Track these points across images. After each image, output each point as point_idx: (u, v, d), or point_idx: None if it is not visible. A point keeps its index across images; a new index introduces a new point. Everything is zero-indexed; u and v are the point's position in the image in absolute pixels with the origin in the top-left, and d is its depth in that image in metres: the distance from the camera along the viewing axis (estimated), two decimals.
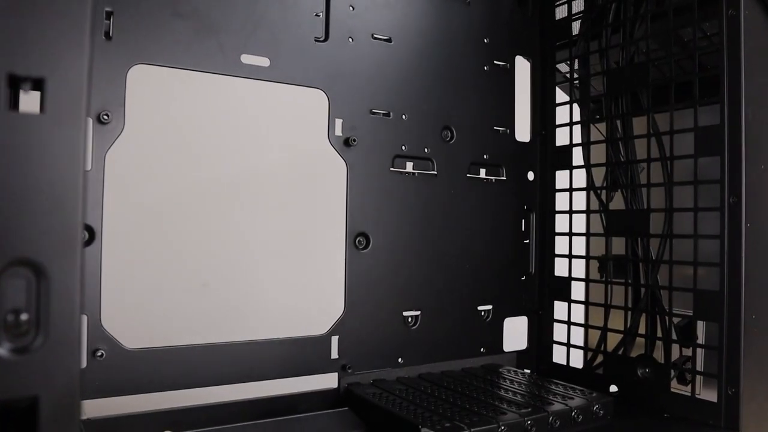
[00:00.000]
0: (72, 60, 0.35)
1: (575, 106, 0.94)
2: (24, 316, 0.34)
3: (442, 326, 0.88)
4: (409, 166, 0.86)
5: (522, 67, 0.98)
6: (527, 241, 0.98)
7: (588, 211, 0.91)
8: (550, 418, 0.68)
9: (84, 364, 0.64)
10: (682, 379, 0.81)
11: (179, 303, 0.71)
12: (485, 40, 0.93)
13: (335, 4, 0.80)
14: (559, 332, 0.95)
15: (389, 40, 0.84)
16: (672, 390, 0.78)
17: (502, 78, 0.95)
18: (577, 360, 0.92)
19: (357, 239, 0.82)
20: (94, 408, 0.64)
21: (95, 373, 0.64)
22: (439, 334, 0.88)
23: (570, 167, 0.94)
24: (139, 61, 0.67)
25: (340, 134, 0.80)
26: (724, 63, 0.73)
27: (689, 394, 0.76)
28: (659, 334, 0.82)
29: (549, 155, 0.98)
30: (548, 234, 0.97)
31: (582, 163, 0.92)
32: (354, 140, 0.80)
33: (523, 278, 0.97)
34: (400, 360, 0.84)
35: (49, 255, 0.34)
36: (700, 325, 0.79)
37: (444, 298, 0.89)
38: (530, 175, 0.98)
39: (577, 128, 0.93)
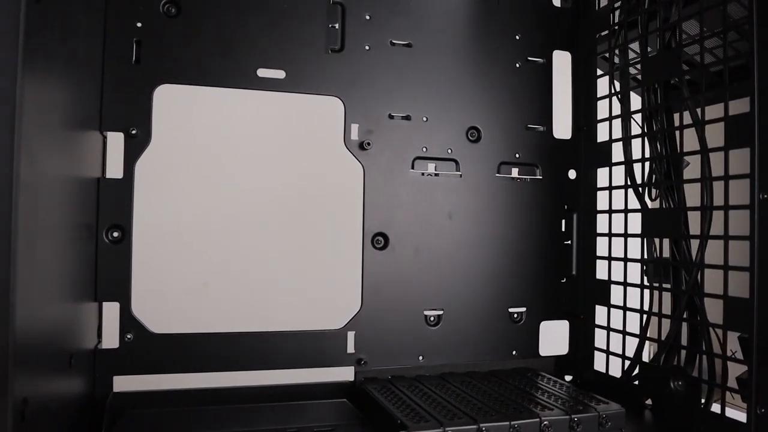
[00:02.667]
0: None
1: (615, 99, 0.88)
2: None
3: (468, 327, 0.88)
4: (431, 168, 0.87)
5: (560, 62, 0.94)
6: (568, 242, 0.94)
7: (626, 211, 0.85)
8: (542, 424, 0.66)
9: (117, 345, 0.74)
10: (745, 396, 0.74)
11: (203, 294, 0.79)
12: (516, 37, 0.91)
13: (351, 15, 0.84)
14: (602, 338, 0.90)
15: (409, 45, 0.86)
16: (703, 407, 0.71)
17: (538, 74, 0.92)
18: (618, 368, 0.87)
19: (375, 239, 0.84)
20: (123, 383, 0.74)
21: (124, 353, 0.74)
22: (464, 335, 0.88)
23: (609, 164, 0.89)
24: (164, 81, 0.76)
25: (356, 138, 0.84)
26: (754, 45, 0.65)
27: (719, 412, 0.69)
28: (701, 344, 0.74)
29: (591, 152, 0.93)
30: (590, 235, 0.92)
31: (622, 160, 0.86)
32: (368, 144, 0.83)
33: (564, 280, 0.93)
34: (420, 358, 0.86)
35: None
36: None
37: (471, 298, 0.88)
38: (571, 174, 0.94)
39: (618, 124, 0.88)
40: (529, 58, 0.92)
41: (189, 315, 0.77)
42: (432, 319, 0.87)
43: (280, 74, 0.81)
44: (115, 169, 0.75)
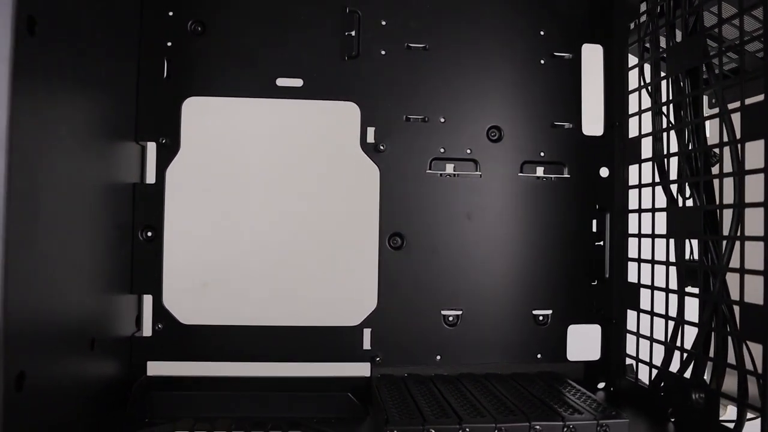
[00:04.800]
0: None
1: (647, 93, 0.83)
2: None
3: (489, 328, 0.87)
4: (450, 168, 0.88)
5: (590, 56, 0.90)
6: (600, 242, 0.90)
7: (653, 210, 0.80)
8: (531, 429, 0.65)
9: (150, 333, 0.82)
10: None
11: (228, 289, 0.85)
12: (541, 33, 0.89)
13: (367, 22, 0.87)
14: (634, 344, 0.85)
15: (425, 48, 0.87)
16: (721, 422, 0.66)
17: (564, 70, 0.89)
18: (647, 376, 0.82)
19: (392, 239, 0.86)
20: (154, 368, 0.82)
21: (156, 341, 0.82)
22: (484, 336, 0.87)
23: (639, 161, 0.84)
24: (192, 94, 0.84)
25: (372, 141, 0.86)
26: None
27: (732, 428, 0.63)
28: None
29: (624, 149, 0.88)
30: (623, 235, 0.88)
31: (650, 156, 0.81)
32: (382, 146, 0.86)
33: (594, 283, 0.89)
34: (438, 358, 0.86)
35: None
36: None
37: (491, 299, 0.88)
38: (603, 172, 0.90)
39: (649, 118, 0.83)
40: (555, 54, 0.89)
41: (214, 308, 0.84)
42: (450, 319, 0.87)
43: (298, 83, 0.85)
44: (148, 175, 0.83)
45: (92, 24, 0.67)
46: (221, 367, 0.83)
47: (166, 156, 0.83)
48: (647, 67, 0.82)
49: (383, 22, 0.87)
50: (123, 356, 0.80)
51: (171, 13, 0.83)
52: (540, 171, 0.89)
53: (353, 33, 0.86)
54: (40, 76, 0.55)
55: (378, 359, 0.85)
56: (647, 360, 0.80)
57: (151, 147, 0.83)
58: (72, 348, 0.64)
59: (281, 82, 0.85)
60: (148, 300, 0.83)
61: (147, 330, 0.83)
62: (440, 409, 0.69)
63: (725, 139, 0.66)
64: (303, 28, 0.85)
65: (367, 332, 0.85)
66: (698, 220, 0.71)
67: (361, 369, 0.86)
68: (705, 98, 0.78)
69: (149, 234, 0.83)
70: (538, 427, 0.65)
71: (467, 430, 0.64)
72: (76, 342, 0.65)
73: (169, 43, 0.83)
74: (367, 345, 0.85)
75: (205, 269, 0.84)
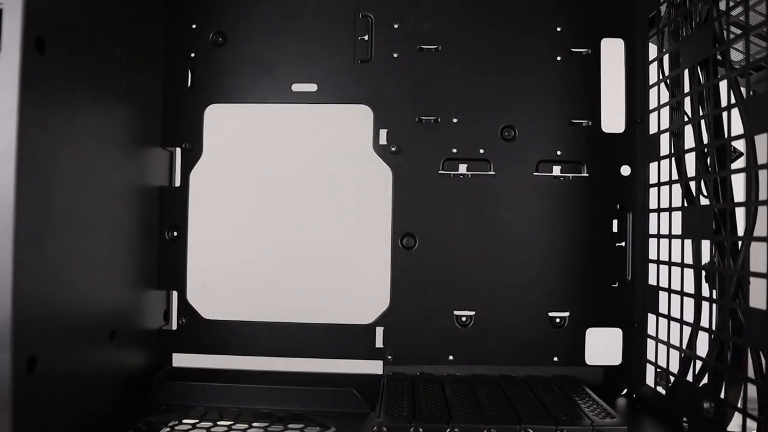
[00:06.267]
0: None
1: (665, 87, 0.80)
2: None
3: (502, 329, 0.87)
4: (462, 168, 0.88)
5: (609, 51, 0.87)
6: (621, 243, 0.86)
7: (670, 209, 0.77)
8: None
9: (174, 326, 0.88)
10: None
11: (248, 287, 0.89)
12: (557, 29, 0.87)
13: (379, 26, 0.88)
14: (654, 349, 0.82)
15: (437, 49, 0.88)
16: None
17: (582, 66, 0.87)
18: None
19: (404, 239, 0.87)
20: (179, 360, 0.87)
21: (179, 334, 0.88)
22: (498, 337, 0.86)
23: (658, 158, 0.80)
24: (213, 101, 0.89)
25: (385, 143, 0.88)
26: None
27: None
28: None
29: (647, 146, 0.85)
30: (642, 236, 0.84)
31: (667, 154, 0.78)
32: (394, 148, 0.87)
33: (615, 285, 0.86)
34: (450, 357, 0.87)
35: None
36: None
37: (505, 300, 0.87)
38: (625, 170, 0.87)
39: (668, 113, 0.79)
40: (573, 50, 0.87)
41: (234, 304, 0.88)
42: (463, 319, 0.87)
43: (312, 87, 0.88)
44: (177, 179, 0.89)
45: (113, 40, 0.72)
46: (239, 361, 0.87)
47: (190, 160, 0.88)
48: (666, 60, 0.79)
49: (395, 25, 0.88)
50: (151, 348, 0.86)
51: (194, 26, 0.89)
52: (557, 170, 0.87)
53: (366, 37, 0.88)
54: (51, 91, 0.60)
55: (390, 357, 0.86)
56: (668, 366, 0.77)
57: (176, 152, 0.89)
58: (91, 338, 0.70)
59: (296, 87, 0.88)
60: (173, 296, 0.89)
61: (172, 324, 0.88)
62: (436, 408, 0.70)
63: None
64: (317, 35, 0.88)
65: (379, 331, 0.87)
66: (708, 219, 0.68)
67: (375, 367, 0.87)
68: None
69: (175, 233, 0.88)
70: (530, 430, 0.64)
71: (456, 430, 0.64)
72: (95, 332, 0.71)
73: (193, 54, 0.88)
74: (379, 343, 0.87)
75: (226, 267, 0.89)
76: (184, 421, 0.73)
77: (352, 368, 0.87)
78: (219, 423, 0.73)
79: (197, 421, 0.73)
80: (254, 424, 0.73)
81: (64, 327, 0.63)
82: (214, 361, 0.88)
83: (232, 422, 0.73)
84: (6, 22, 0.55)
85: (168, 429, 0.70)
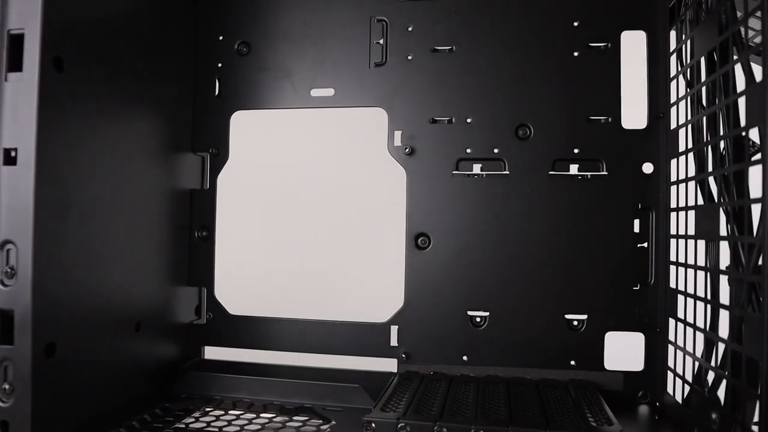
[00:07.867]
0: None
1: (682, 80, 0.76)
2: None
3: (517, 331, 0.85)
4: (477, 168, 0.87)
5: (629, 44, 0.84)
6: (644, 244, 0.83)
7: (686, 208, 0.73)
8: None
9: (204, 321, 0.94)
10: None
11: (272, 285, 0.93)
12: (574, 24, 0.85)
13: (394, 29, 0.90)
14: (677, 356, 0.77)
15: (451, 50, 0.88)
16: None
17: (601, 61, 0.84)
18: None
19: (419, 239, 0.88)
20: (209, 352, 0.93)
21: (207, 328, 0.93)
22: (512, 339, 0.85)
23: (677, 154, 0.76)
24: (239, 108, 0.94)
25: (399, 144, 0.89)
26: None
27: None
28: None
29: (669, 142, 0.81)
30: (665, 236, 0.80)
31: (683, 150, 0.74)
32: (407, 149, 0.88)
33: (637, 288, 0.83)
34: (464, 358, 0.86)
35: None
36: None
37: (520, 302, 0.85)
38: (647, 168, 0.83)
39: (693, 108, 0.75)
40: (591, 44, 0.85)
41: (258, 301, 0.93)
42: (477, 320, 0.87)
43: (329, 92, 0.91)
44: (205, 182, 0.95)
45: (137, 55, 0.79)
46: (262, 355, 0.92)
47: (217, 164, 0.94)
48: (685, 51, 0.75)
49: (409, 28, 0.89)
50: (182, 340, 0.92)
51: (221, 37, 0.94)
52: (574, 169, 0.85)
53: (381, 41, 0.90)
54: (70, 104, 0.66)
55: (404, 356, 0.88)
56: (688, 373, 0.73)
57: (206, 157, 0.95)
58: (114, 328, 0.76)
59: (315, 92, 0.92)
60: (202, 292, 0.95)
61: (201, 319, 0.94)
62: (434, 407, 0.70)
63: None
64: (334, 42, 0.91)
65: (394, 329, 0.88)
66: (716, 219, 0.64)
67: (390, 365, 0.89)
68: None
69: (204, 233, 0.94)
70: None
71: (444, 429, 0.65)
72: (119, 324, 0.77)
73: (220, 64, 0.94)
74: (394, 341, 0.88)
75: (251, 266, 0.93)
76: (200, 409, 0.78)
77: (367, 365, 0.89)
78: (230, 412, 0.77)
79: (211, 409, 0.78)
80: (262, 415, 0.76)
81: (85, 317, 0.70)
82: (242, 355, 0.92)
83: (243, 411, 0.77)
84: (27, 45, 0.61)
85: (181, 413, 0.75)
